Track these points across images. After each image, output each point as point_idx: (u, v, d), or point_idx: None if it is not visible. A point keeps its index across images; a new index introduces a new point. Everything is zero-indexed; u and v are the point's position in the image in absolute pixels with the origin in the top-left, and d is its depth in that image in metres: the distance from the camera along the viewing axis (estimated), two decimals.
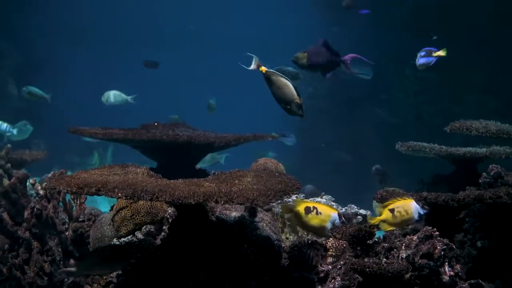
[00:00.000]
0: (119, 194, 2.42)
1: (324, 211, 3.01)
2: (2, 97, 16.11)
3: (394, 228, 3.17)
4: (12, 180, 4.30)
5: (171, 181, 2.71)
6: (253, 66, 3.24)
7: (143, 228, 3.45)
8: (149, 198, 2.39)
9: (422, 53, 5.10)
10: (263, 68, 3.26)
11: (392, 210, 3.01)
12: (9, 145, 6.11)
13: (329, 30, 12.09)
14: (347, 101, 11.28)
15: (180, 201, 2.35)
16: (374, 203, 4.41)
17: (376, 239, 3.17)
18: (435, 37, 5.66)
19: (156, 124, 4.68)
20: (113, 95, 8.57)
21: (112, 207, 4.22)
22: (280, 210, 3.86)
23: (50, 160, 8.03)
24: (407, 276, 2.84)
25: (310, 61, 4.68)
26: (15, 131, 8.47)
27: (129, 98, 8.56)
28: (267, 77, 3.31)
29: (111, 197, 2.49)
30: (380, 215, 3.08)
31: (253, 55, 3.21)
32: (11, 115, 16.39)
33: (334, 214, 3.02)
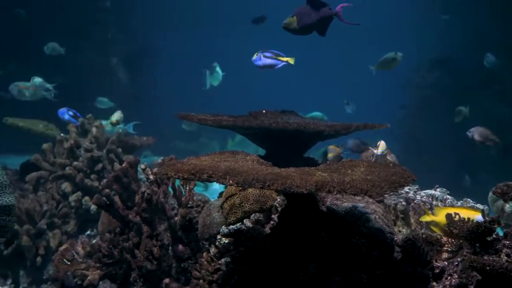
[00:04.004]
0: (230, 181, 2.51)
1: (468, 215, 2.98)
2: (113, 84, 17.00)
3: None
4: (123, 165, 4.56)
5: (282, 169, 2.78)
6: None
7: (252, 216, 3.56)
8: (260, 186, 2.46)
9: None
10: None
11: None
12: (120, 130, 6.47)
13: (439, 18, 11.84)
14: (456, 91, 11.03)
15: (291, 190, 2.41)
16: (491, 196, 4.29)
17: (495, 236, 3.09)
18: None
19: (264, 111, 4.77)
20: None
21: (220, 194, 4.38)
22: (393, 202, 3.85)
23: (156, 146, 8.41)
24: None
25: (300, 23, 4.70)
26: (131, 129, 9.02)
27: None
28: None
29: (222, 184, 2.59)
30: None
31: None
32: (122, 100, 17.31)
33: (478, 216, 2.99)
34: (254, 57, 5.52)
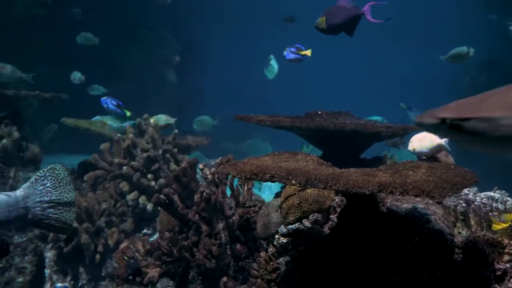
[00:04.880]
0: (293, 181, 2.59)
1: None
2: (163, 85, 17.33)
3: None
4: (183, 165, 4.70)
5: (343, 170, 2.84)
6: None
7: (310, 216, 3.63)
8: (322, 186, 2.53)
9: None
10: None
11: None
12: (176, 131, 6.63)
13: (487, 17, 11.71)
14: None
15: (353, 190, 2.47)
16: None
17: None
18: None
19: (319, 112, 4.84)
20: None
21: (276, 194, 4.47)
22: (452, 204, 3.86)
23: (206, 146, 8.56)
24: None
25: (328, 23, 4.86)
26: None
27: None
28: None
29: (284, 184, 2.67)
30: None
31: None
32: (171, 101, 17.61)
33: None
34: (284, 52, 6.21)
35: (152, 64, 17.27)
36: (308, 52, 6.50)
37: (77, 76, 10.93)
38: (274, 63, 10.13)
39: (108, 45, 15.28)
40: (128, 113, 8.46)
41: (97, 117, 9.42)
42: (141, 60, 17.08)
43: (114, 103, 8.45)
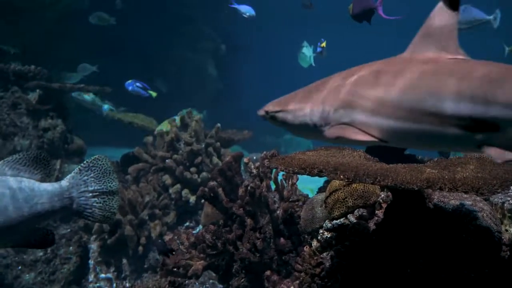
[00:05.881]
0: (341, 176, 2.64)
1: None
2: (203, 78, 17.49)
3: None
4: (227, 159, 4.78)
5: (391, 165, 2.87)
6: None
7: (356, 211, 3.67)
8: (371, 181, 2.57)
9: None
10: None
11: None
12: (218, 124, 6.72)
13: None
14: None
15: (402, 186, 2.51)
16: None
17: None
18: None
19: None
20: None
21: (319, 190, 4.52)
22: (500, 201, 3.85)
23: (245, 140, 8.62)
24: None
25: (352, 11, 5.35)
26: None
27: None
28: None
29: (333, 178, 2.72)
30: None
31: None
32: (212, 95, 17.76)
33: None
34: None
35: (193, 58, 17.42)
36: (323, 44, 7.51)
37: (87, 67, 11.07)
38: (306, 51, 9.81)
39: (149, 39, 15.49)
40: (154, 94, 8.57)
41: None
42: (182, 53, 17.26)
43: (139, 85, 8.57)
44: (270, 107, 3.04)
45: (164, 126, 7.59)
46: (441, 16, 2.62)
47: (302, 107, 2.87)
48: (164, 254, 4.50)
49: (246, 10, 9.15)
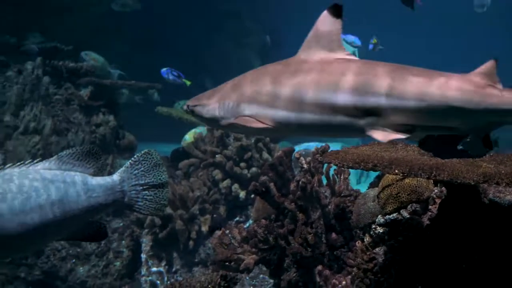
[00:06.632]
0: (396, 171, 2.65)
1: None
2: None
3: None
4: (279, 154, 4.84)
5: (446, 160, 2.87)
6: None
7: (408, 206, 3.67)
8: (426, 176, 2.58)
9: None
10: None
11: None
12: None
13: None
14: None
15: (458, 181, 2.51)
16: None
17: None
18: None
19: None
20: None
21: (370, 185, 4.53)
22: None
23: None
24: None
25: None
26: None
27: None
28: None
29: (387, 173, 2.75)
30: None
31: None
32: None
33: None
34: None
35: (238, 53, 17.51)
36: (375, 41, 8.08)
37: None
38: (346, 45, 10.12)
39: (195, 35, 15.64)
40: (188, 83, 8.65)
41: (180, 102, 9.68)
42: (227, 49, 17.37)
43: (175, 73, 8.66)
44: (190, 102, 3.53)
45: (190, 137, 7.65)
46: (327, 22, 3.12)
47: (212, 102, 3.35)
48: (216, 229, 4.62)
49: (353, 39, 9.27)
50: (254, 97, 3.11)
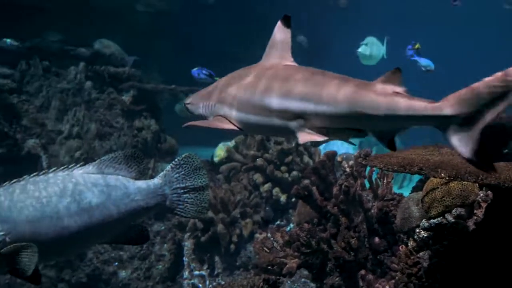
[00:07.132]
0: (442, 174, 2.66)
1: None
2: None
3: None
4: (321, 157, 4.86)
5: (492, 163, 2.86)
6: None
7: (453, 210, 3.64)
8: (473, 180, 2.58)
9: None
10: None
11: None
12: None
13: None
14: None
15: (505, 185, 2.51)
16: None
17: None
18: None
19: None
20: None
21: (413, 189, 4.51)
22: None
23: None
24: None
25: None
26: None
27: None
28: None
29: (433, 176, 2.75)
30: None
31: None
32: None
33: None
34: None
35: None
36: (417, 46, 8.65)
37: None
38: (361, 50, 10.00)
39: (231, 39, 15.73)
40: None
41: None
42: (261, 53, 17.36)
43: (206, 72, 8.71)
44: (187, 100, 3.76)
45: (220, 152, 7.66)
46: (280, 32, 3.37)
47: (199, 101, 3.56)
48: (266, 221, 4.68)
49: (426, 63, 9.27)
50: (223, 99, 3.36)
